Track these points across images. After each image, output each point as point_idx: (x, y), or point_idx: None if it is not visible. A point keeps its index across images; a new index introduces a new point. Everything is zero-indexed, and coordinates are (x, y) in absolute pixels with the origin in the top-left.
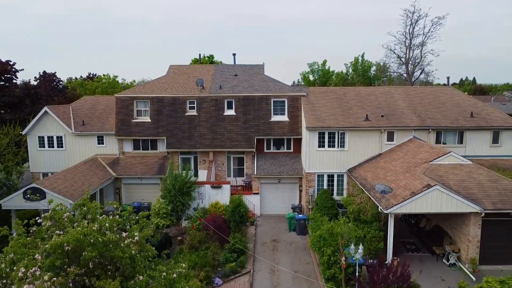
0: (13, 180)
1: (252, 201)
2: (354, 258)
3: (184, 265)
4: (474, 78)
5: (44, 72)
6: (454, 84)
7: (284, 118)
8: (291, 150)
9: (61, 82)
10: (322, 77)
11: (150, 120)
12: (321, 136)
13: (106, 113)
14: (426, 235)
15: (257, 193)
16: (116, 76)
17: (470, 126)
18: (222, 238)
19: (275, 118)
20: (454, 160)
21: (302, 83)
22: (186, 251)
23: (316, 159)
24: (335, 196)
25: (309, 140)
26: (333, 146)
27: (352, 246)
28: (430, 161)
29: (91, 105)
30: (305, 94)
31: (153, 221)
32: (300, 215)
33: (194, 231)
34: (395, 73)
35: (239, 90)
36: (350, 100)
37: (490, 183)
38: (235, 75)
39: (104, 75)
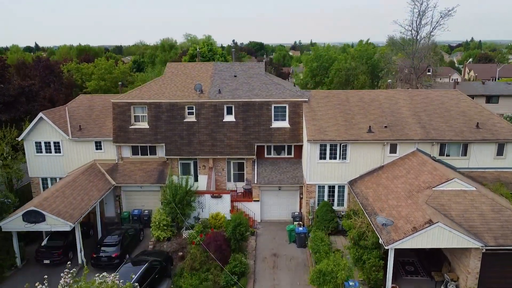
0: (11, 197)
1: (252, 209)
2: None
3: None
4: (480, 41)
5: (38, 57)
6: (459, 46)
7: (285, 124)
8: (292, 156)
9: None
10: (325, 62)
11: (148, 127)
12: (322, 148)
13: (103, 116)
14: (426, 256)
15: (258, 201)
16: (113, 60)
17: (476, 139)
18: (223, 257)
19: (275, 124)
20: (457, 186)
21: (304, 69)
22: (187, 274)
23: (317, 171)
24: (335, 207)
25: (310, 152)
26: (335, 158)
27: (351, 283)
28: (433, 187)
29: (87, 107)
30: (307, 99)
31: (154, 234)
32: (300, 229)
33: (195, 251)
34: (400, 33)
35: (239, 95)
36: (353, 107)
37: (493, 213)
38: (235, 76)
39: (99, 59)
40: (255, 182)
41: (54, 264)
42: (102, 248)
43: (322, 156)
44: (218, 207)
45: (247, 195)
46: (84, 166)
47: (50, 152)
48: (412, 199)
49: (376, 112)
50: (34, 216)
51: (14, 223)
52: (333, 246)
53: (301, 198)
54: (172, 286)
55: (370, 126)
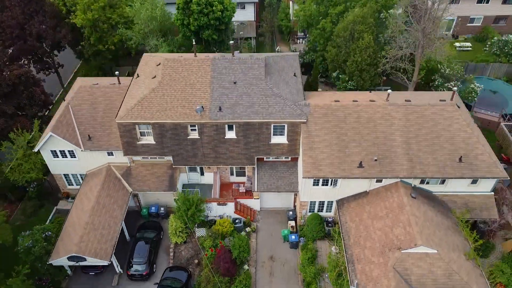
0: (51, 229)
1: (253, 204)
2: None
3: None
4: None
5: None
6: None
7: (284, 140)
8: (289, 159)
9: None
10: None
11: (154, 142)
12: (316, 179)
13: (108, 119)
14: None
15: (257, 198)
16: None
17: (455, 176)
18: (231, 275)
19: (274, 140)
20: (422, 249)
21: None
22: None
23: (310, 192)
24: (324, 213)
25: (305, 181)
26: (326, 185)
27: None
28: (402, 250)
29: (90, 104)
30: (305, 120)
31: (172, 240)
32: (293, 237)
33: (207, 272)
34: None
35: (239, 113)
36: (349, 131)
37: (444, 278)
38: (234, 82)
39: None
40: (255, 189)
41: (96, 274)
42: (134, 267)
43: (315, 183)
44: (224, 210)
45: (249, 193)
46: (101, 172)
47: (66, 157)
48: (384, 258)
49: (369, 139)
50: (77, 258)
51: (61, 261)
52: (317, 257)
53: (295, 195)
54: None
55: (361, 162)
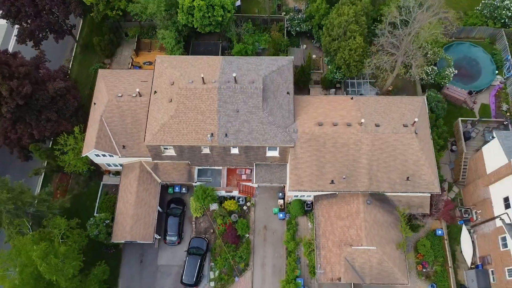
0: (108, 217)
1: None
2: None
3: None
4: None
5: None
6: None
7: (276, 154)
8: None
9: None
10: None
11: (175, 154)
12: None
13: (135, 129)
14: None
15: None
16: None
17: (401, 191)
18: (236, 244)
19: (269, 154)
20: (365, 247)
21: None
22: (220, 260)
23: (294, 193)
24: (305, 197)
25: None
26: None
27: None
28: (353, 246)
29: (119, 116)
30: (293, 145)
31: (193, 214)
32: (281, 215)
33: (219, 241)
34: None
35: (241, 138)
36: (326, 155)
37: (377, 265)
38: (237, 111)
39: None
40: (254, 181)
41: None
42: (168, 238)
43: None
44: (230, 194)
45: (250, 180)
46: (135, 167)
47: (106, 157)
48: (340, 249)
49: (342, 161)
50: (130, 240)
51: (120, 241)
52: (298, 230)
53: (283, 187)
54: (211, 258)
55: (333, 180)
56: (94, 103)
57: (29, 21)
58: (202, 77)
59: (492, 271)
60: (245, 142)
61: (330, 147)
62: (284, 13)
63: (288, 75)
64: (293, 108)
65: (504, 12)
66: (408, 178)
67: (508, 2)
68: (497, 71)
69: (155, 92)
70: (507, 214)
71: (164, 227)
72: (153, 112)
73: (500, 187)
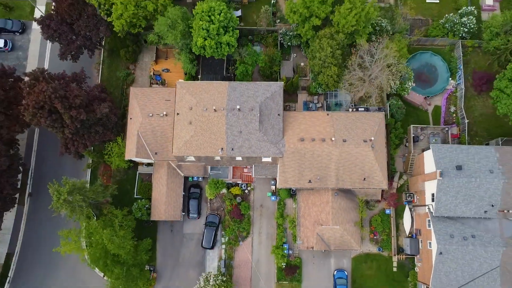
0: (147, 203)
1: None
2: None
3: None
4: None
5: None
6: None
7: (269, 159)
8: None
9: None
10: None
11: (194, 160)
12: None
13: (164, 139)
14: None
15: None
16: None
17: (359, 187)
18: (240, 219)
19: (264, 160)
20: (331, 226)
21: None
22: (229, 230)
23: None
24: (292, 187)
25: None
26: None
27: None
28: (323, 226)
29: (151, 131)
30: (282, 156)
31: (208, 197)
32: (273, 198)
33: (228, 218)
34: None
35: (243, 151)
36: (305, 163)
37: (339, 237)
38: (240, 132)
39: None
40: (253, 175)
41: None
42: (191, 215)
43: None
44: (236, 179)
45: (249, 172)
46: (164, 165)
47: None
48: (314, 227)
49: (318, 166)
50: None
51: (156, 219)
52: (285, 209)
53: (275, 180)
54: (222, 229)
55: (310, 180)
56: (130, 118)
57: (67, 42)
58: (214, 109)
59: (420, 240)
60: (246, 154)
61: (309, 157)
62: (279, 20)
63: (279, 99)
64: (282, 127)
65: (461, 28)
66: (364, 178)
67: (465, 19)
68: (450, 78)
69: (178, 113)
70: (432, 206)
71: (187, 207)
72: (177, 130)
73: (430, 185)
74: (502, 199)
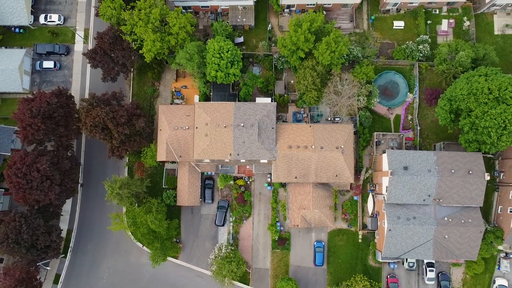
0: (173, 193)
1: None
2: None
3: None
4: None
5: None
6: None
7: (266, 161)
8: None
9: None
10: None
11: (209, 161)
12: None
13: (186, 144)
14: None
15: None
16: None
17: (333, 181)
18: (244, 204)
19: (262, 161)
20: (312, 209)
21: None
22: (235, 212)
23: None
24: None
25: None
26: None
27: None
28: (304, 209)
29: (176, 140)
30: (275, 159)
31: (219, 187)
32: (269, 187)
33: (234, 203)
34: None
35: (246, 156)
36: (293, 164)
37: (318, 218)
38: (243, 142)
39: None
40: (254, 171)
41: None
42: (206, 201)
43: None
44: (241, 174)
45: (251, 169)
46: (185, 164)
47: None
48: (299, 211)
49: (302, 166)
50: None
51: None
52: (278, 196)
53: (270, 174)
54: (230, 211)
55: (296, 176)
56: (160, 130)
57: (108, 69)
58: (224, 126)
59: (378, 219)
60: (248, 158)
61: (295, 160)
62: (274, 44)
63: (273, 116)
64: (275, 137)
65: (418, 53)
66: (337, 175)
67: (421, 46)
68: (409, 92)
69: (197, 127)
70: (385, 195)
71: (203, 195)
72: (197, 140)
73: (384, 180)
74: (436, 191)
